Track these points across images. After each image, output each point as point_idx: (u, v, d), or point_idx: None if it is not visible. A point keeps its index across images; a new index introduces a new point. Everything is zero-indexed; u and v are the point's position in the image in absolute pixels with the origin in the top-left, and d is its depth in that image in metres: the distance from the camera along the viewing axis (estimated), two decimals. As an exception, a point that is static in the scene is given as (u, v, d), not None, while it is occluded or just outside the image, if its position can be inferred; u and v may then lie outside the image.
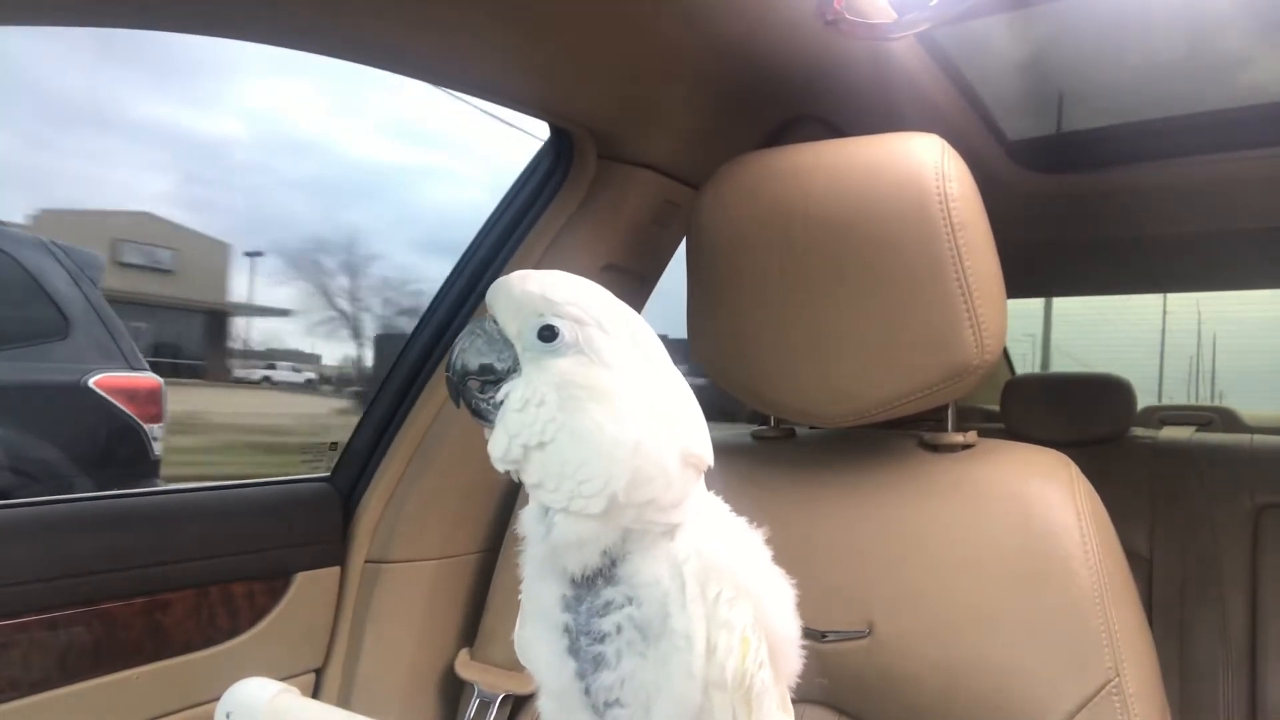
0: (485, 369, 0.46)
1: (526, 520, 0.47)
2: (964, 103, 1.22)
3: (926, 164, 0.75)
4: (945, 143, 0.77)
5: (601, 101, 0.96)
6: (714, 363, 0.87)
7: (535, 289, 0.46)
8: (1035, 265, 1.97)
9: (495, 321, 0.47)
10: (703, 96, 0.99)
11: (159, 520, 0.88)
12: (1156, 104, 1.33)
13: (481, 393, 0.46)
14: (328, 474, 1.09)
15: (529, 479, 0.45)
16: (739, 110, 1.04)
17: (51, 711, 0.77)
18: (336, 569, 1.03)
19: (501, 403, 0.45)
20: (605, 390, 0.44)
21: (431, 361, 1.08)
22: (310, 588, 0.99)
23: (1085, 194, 1.49)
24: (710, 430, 0.49)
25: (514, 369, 0.46)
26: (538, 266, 1.06)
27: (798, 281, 0.79)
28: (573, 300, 0.45)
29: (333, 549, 1.03)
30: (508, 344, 0.46)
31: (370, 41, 0.80)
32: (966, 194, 0.75)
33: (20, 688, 0.75)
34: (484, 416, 0.46)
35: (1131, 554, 1.27)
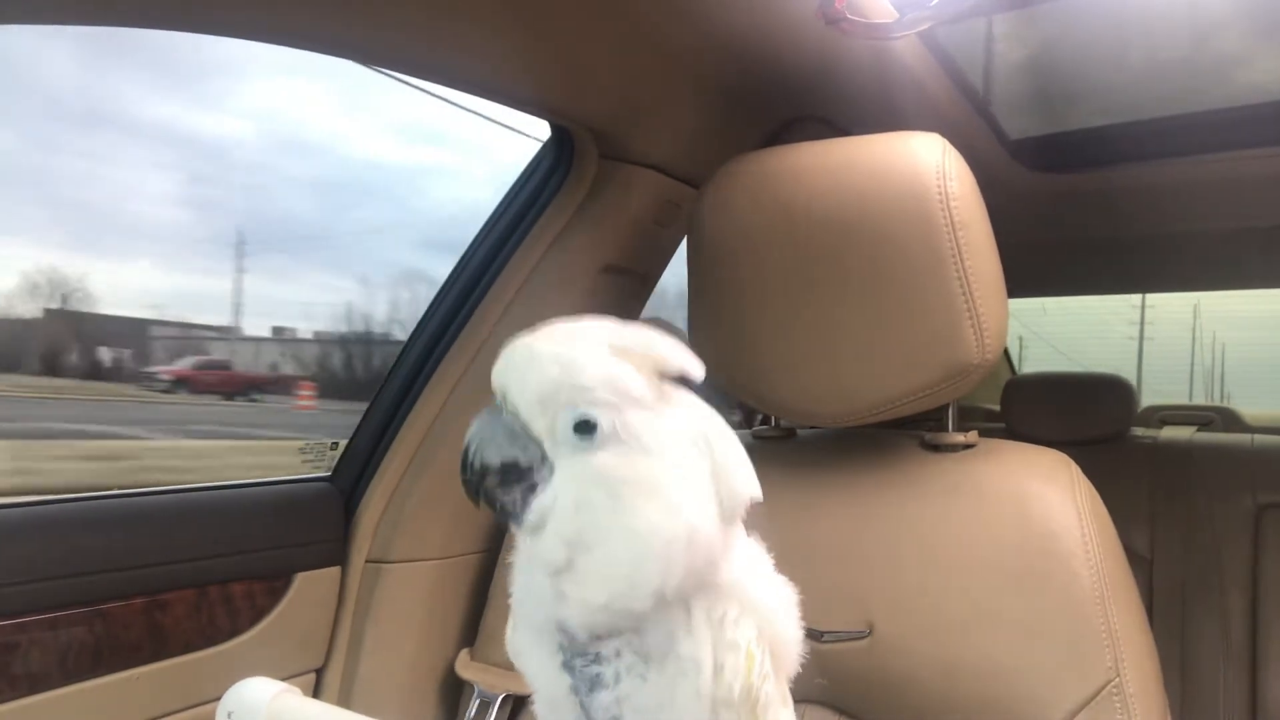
0: (509, 466, 0.43)
1: (533, 593, 0.45)
2: (965, 102, 1.22)
3: (927, 163, 0.75)
4: (946, 142, 0.77)
5: (602, 101, 0.96)
6: (714, 363, 0.87)
7: (558, 374, 0.41)
8: (1036, 264, 1.97)
9: (517, 413, 0.43)
10: (703, 96, 0.99)
11: (159, 520, 0.88)
12: (1158, 103, 1.33)
13: (505, 490, 0.43)
14: (328, 474, 1.09)
15: (574, 579, 0.42)
16: (740, 110, 1.04)
17: (51, 711, 0.77)
18: (337, 569, 1.03)
19: (530, 502, 0.42)
20: (653, 483, 0.41)
21: (432, 361, 1.08)
22: (311, 588, 0.99)
23: (1086, 193, 1.49)
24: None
25: (541, 461, 0.42)
26: (538, 266, 1.06)
27: (798, 281, 0.79)
28: (605, 383, 0.41)
29: (333, 549, 1.03)
30: (532, 438, 0.42)
31: (370, 41, 0.80)
32: (967, 193, 0.75)
33: (20, 688, 0.75)
34: (513, 518, 0.43)
35: (1132, 554, 1.27)
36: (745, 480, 0.45)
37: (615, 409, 0.41)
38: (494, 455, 0.43)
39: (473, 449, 0.43)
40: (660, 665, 0.44)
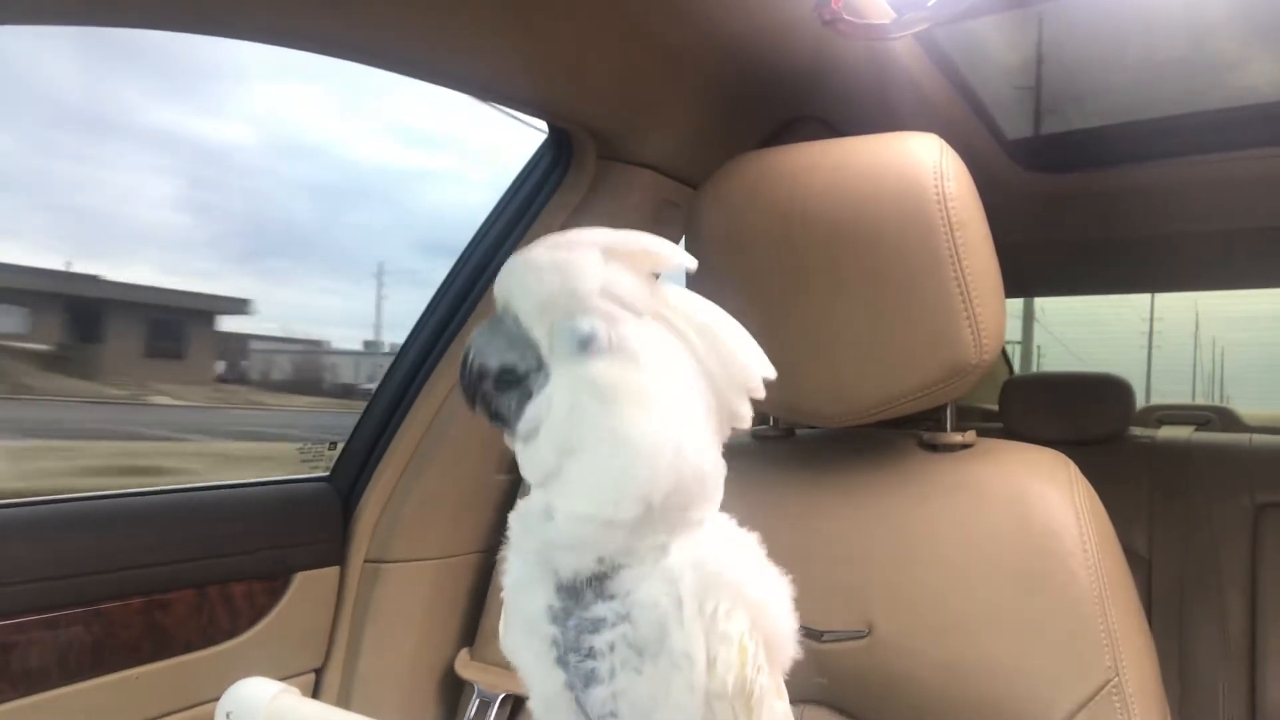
0: (506, 370, 0.43)
1: (523, 516, 0.46)
2: (962, 102, 1.22)
3: (925, 163, 0.75)
4: (944, 142, 0.77)
5: (600, 102, 0.96)
6: None
7: (558, 281, 0.42)
8: (1034, 264, 1.97)
9: (516, 318, 0.43)
10: (702, 96, 0.99)
11: (158, 520, 0.88)
12: (1155, 103, 1.33)
13: (501, 396, 0.43)
14: (327, 473, 1.09)
15: (556, 486, 0.43)
16: (738, 110, 1.04)
17: (51, 711, 0.77)
18: (336, 569, 1.03)
19: (525, 408, 0.43)
20: (644, 392, 0.42)
21: (430, 361, 1.08)
22: (310, 587, 0.99)
23: (1084, 193, 1.49)
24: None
25: (537, 369, 0.43)
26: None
27: (796, 281, 0.79)
28: (601, 291, 0.42)
29: (332, 549, 1.03)
30: (530, 342, 0.43)
31: (369, 41, 0.80)
32: (965, 193, 0.75)
33: (20, 688, 0.75)
34: (506, 421, 0.43)
35: (1131, 553, 1.27)
36: (753, 357, 0.46)
37: (611, 318, 0.42)
38: (493, 359, 0.43)
39: (472, 353, 0.44)
40: (654, 659, 0.44)
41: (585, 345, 0.41)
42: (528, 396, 0.43)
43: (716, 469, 0.45)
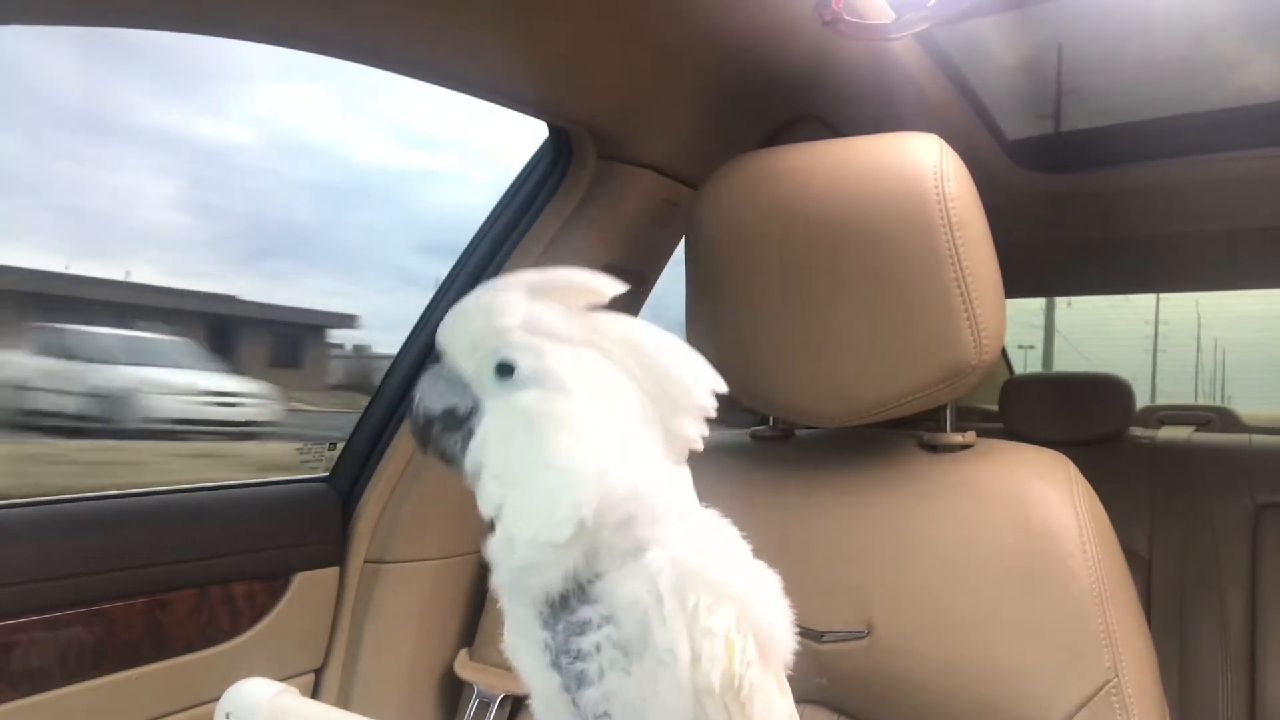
0: (448, 412, 0.46)
1: (492, 548, 0.47)
2: (963, 102, 1.22)
3: (925, 163, 0.75)
4: (944, 142, 0.77)
5: (601, 101, 0.96)
6: (712, 362, 0.87)
7: (481, 322, 0.45)
8: (1033, 265, 1.97)
9: (451, 362, 0.47)
10: (702, 96, 0.99)
11: (159, 520, 0.88)
12: (1155, 104, 1.33)
13: (447, 437, 0.46)
14: (326, 474, 1.09)
15: (505, 518, 0.45)
16: (738, 110, 1.04)
17: (51, 711, 0.77)
18: (336, 569, 1.03)
19: (468, 446, 0.45)
20: (569, 419, 0.43)
21: (430, 362, 1.08)
22: (310, 588, 0.99)
23: (1084, 193, 1.49)
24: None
25: (476, 409, 0.46)
26: (536, 266, 1.06)
27: (796, 281, 0.79)
28: (523, 325, 0.44)
29: (332, 549, 1.03)
30: (466, 384, 0.46)
31: (369, 41, 0.80)
32: (965, 193, 0.75)
33: (20, 688, 0.75)
34: (454, 461, 0.46)
35: (1131, 554, 1.27)
36: (694, 377, 0.47)
37: (535, 350, 0.44)
38: (436, 404, 0.46)
39: (416, 400, 0.47)
40: (640, 658, 0.44)
41: (509, 377, 0.44)
42: (470, 435, 0.46)
43: (663, 485, 0.46)
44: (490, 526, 0.46)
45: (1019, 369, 2.82)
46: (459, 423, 0.46)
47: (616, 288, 0.46)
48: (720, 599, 0.45)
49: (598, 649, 0.45)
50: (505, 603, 0.49)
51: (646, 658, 0.44)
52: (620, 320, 0.47)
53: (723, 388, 0.47)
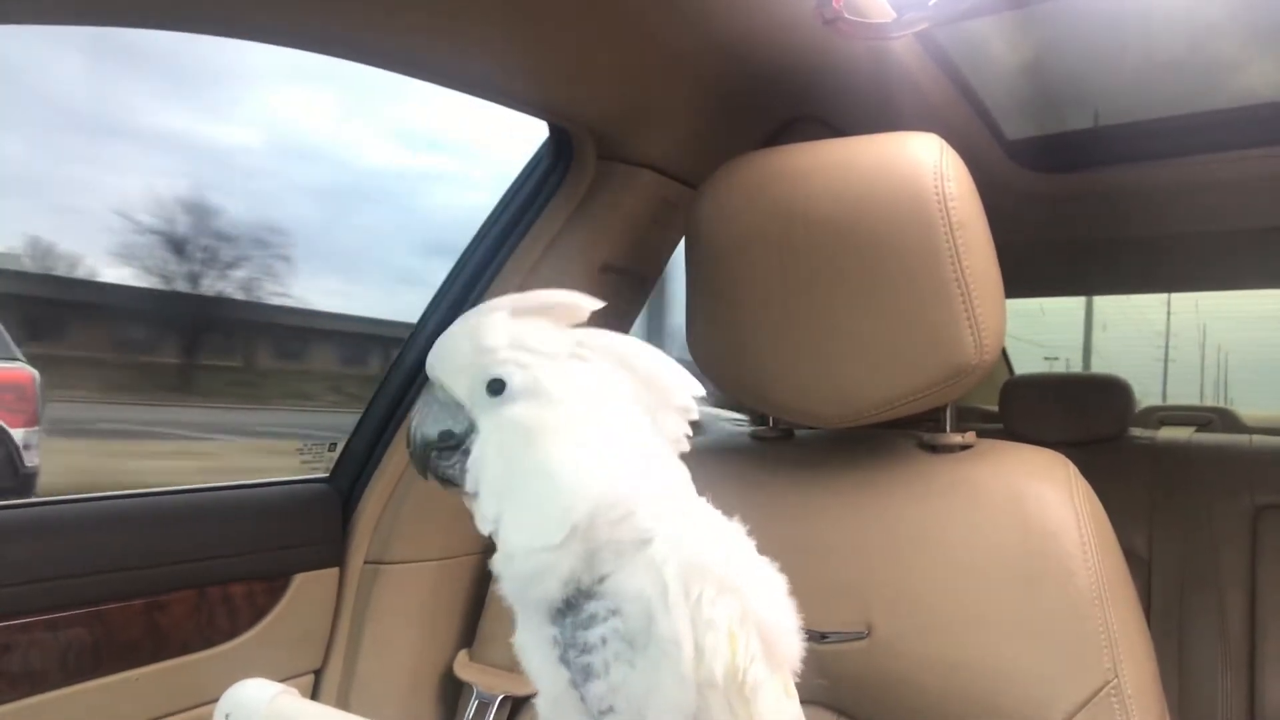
0: (445, 435, 0.47)
1: (495, 563, 0.48)
2: (963, 102, 1.22)
3: (925, 163, 0.75)
4: (944, 142, 0.77)
5: (601, 101, 0.96)
6: (712, 363, 0.87)
7: (469, 344, 0.46)
8: (1034, 265, 1.97)
9: (443, 386, 0.48)
10: (702, 96, 0.99)
11: (158, 521, 0.88)
12: (1155, 104, 1.33)
13: (445, 460, 0.48)
14: (326, 475, 1.09)
15: (502, 530, 0.46)
16: (738, 110, 1.04)
17: (51, 711, 0.77)
18: (335, 570, 1.03)
19: (466, 466, 0.46)
20: (560, 426, 0.45)
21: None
22: (309, 588, 0.99)
23: (1084, 193, 1.49)
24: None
25: (472, 429, 0.47)
26: (536, 266, 1.06)
27: (796, 281, 0.79)
28: (509, 344, 0.46)
29: (332, 550, 1.03)
30: (460, 406, 0.47)
31: (369, 41, 0.80)
32: (965, 193, 0.75)
33: (20, 688, 0.75)
34: (454, 482, 0.47)
35: (1130, 554, 1.27)
36: (675, 380, 0.48)
37: (523, 366, 0.45)
38: (432, 428, 0.48)
39: (414, 426, 0.48)
40: (645, 650, 0.45)
41: (499, 393, 0.45)
42: (468, 455, 0.47)
43: (661, 483, 0.47)
44: (491, 540, 0.47)
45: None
46: (457, 444, 0.47)
47: (594, 304, 0.48)
48: (723, 591, 0.45)
49: (604, 641, 0.45)
50: (515, 608, 0.50)
51: (651, 649, 0.45)
52: (601, 334, 0.48)
53: (701, 391, 0.49)
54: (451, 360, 0.47)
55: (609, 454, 0.45)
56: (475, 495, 0.47)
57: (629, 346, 0.48)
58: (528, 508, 0.45)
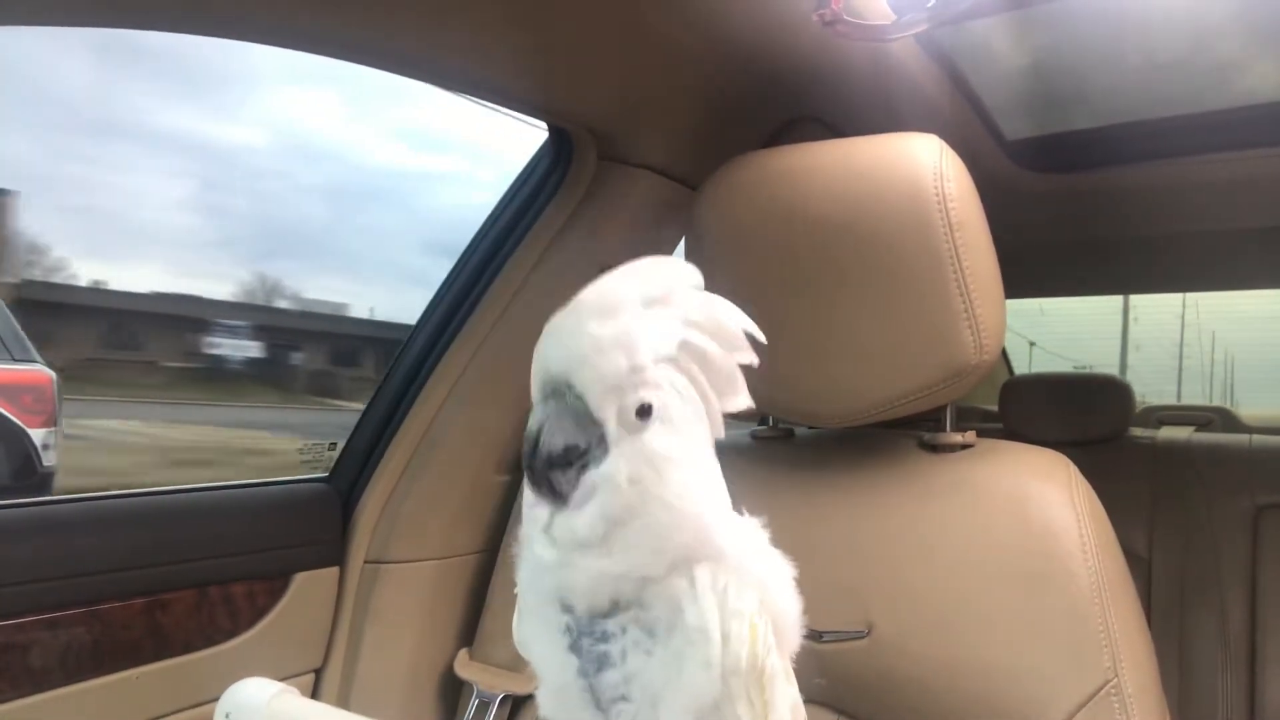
0: (570, 449, 0.43)
1: (532, 565, 0.46)
2: (963, 103, 1.22)
3: (925, 164, 0.75)
4: (944, 143, 0.77)
5: (601, 102, 0.96)
6: None
7: (623, 360, 0.42)
8: (1033, 265, 1.97)
9: (581, 397, 0.43)
10: (702, 97, 0.99)
11: (159, 520, 0.88)
12: (1155, 104, 1.33)
13: (562, 473, 0.43)
14: (326, 474, 1.09)
15: (595, 550, 0.43)
16: (738, 111, 1.04)
17: (51, 711, 0.77)
18: (335, 569, 1.03)
19: (580, 481, 0.43)
20: (684, 458, 0.44)
21: (430, 361, 1.08)
22: (309, 588, 0.99)
23: (1083, 194, 1.49)
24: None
25: (600, 446, 0.43)
26: (536, 267, 1.06)
27: (796, 282, 0.79)
28: (653, 360, 0.43)
29: (332, 549, 1.03)
30: (595, 421, 0.43)
31: (369, 41, 0.80)
32: (965, 194, 0.75)
33: (20, 688, 0.75)
34: (563, 498, 0.43)
35: (1130, 554, 1.27)
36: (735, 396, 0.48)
37: (660, 388, 0.43)
38: (560, 441, 0.43)
39: (540, 435, 0.43)
40: (666, 639, 0.44)
41: (646, 417, 0.43)
42: (584, 469, 0.43)
43: (727, 510, 0.47)
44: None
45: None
46: (575, 459, 0.43)
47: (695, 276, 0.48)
48: (745, 583, 0.45)
49: (623, 630, 0.45)
50: (523, 594, 0.49)
51: (674, 638, 0.44)
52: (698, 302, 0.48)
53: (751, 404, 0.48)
54: (602, 374, 0.42)
55: (711, 485, 0.45)
56: (578, 509, 0.43)
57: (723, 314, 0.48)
58: (645, 538, 0.43)
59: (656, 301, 0.45)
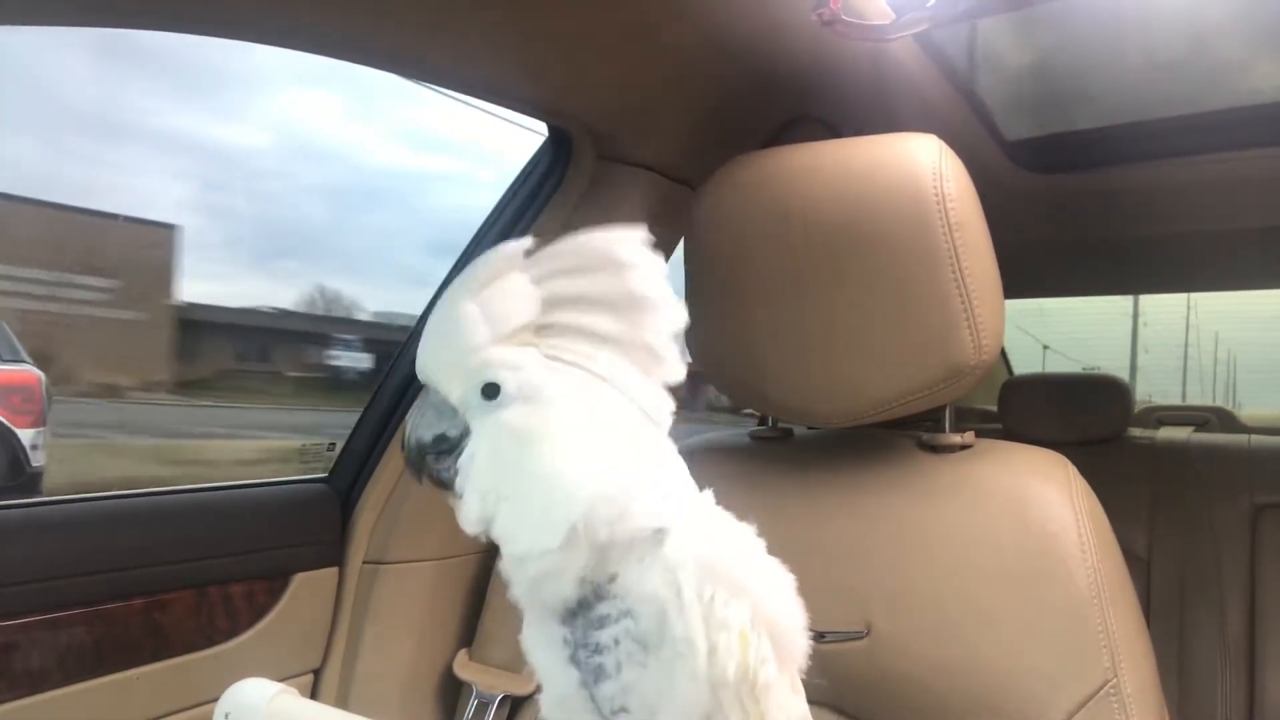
0: (439, 439, 0.47)
1: (504, 567, 0.47)
2: (962, 103, 1.22)
3: (924, 164, 0.75)
4: (943, 143, 0.77)
5: (600, 102, 0.96)
6: (712, 363, 0.88)
7: (462, 346, 0.44)
8: (1032, 265, 1.97)
9: (436, 389, 0.47)
10: (701, 97, 0.99)
11: (158, 520, 0.88)
12: (1155, 104, 1.33)
13: (440, 464, 0.47)
14: (325, 475, 1.09)
15: (499, 534, 0.45)
16: (737, 111, 1.04)
17: (51, 711, 0.77)
18: (335, 569, 1.03)
19: (458, 469, 0.46)
20: (555, 429, 0.44)
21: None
22: (309, 588, 0.99)
23: (1083, 194, 1.49)
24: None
25: (466, 433, 0.46)
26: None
27: (795, 282, 0.79)
28: (503, 337, 0.44)
29: (331, 549, 1.03)
30: (452, 408, 0.46)
31: (369, 42, 0.80)
32: (964, 194, 0.75)
33: (20, 688, 0.75)
34: (448, 485, 0.47)
35: (1129, 554, 1.27)
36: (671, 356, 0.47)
37: (515, 365, 0.44)
38: (426, 432, 0.47)
39: (408, 431, 0.48)
40: (657, 651, 0.45)
41: (494, 397, 0.44)
42: (460, 457, 0.46)
43: (652, 478, 0.46)
44: (492, 541, 0.46)
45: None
46: (451, 447, 0.47)
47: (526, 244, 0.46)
48: (735, 594, 0.45)
49: (616, 642, 0.45)
50: (525, 609, 0.50)
51: (664, 649, 0.45)
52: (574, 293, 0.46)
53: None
54: (442, 364, 0.46)
55: (602, 454, 0.45)
56: (461, 497, 0.46)
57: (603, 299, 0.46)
58: (525, 512, 0.44)
59: (496, 278, 0.45)
